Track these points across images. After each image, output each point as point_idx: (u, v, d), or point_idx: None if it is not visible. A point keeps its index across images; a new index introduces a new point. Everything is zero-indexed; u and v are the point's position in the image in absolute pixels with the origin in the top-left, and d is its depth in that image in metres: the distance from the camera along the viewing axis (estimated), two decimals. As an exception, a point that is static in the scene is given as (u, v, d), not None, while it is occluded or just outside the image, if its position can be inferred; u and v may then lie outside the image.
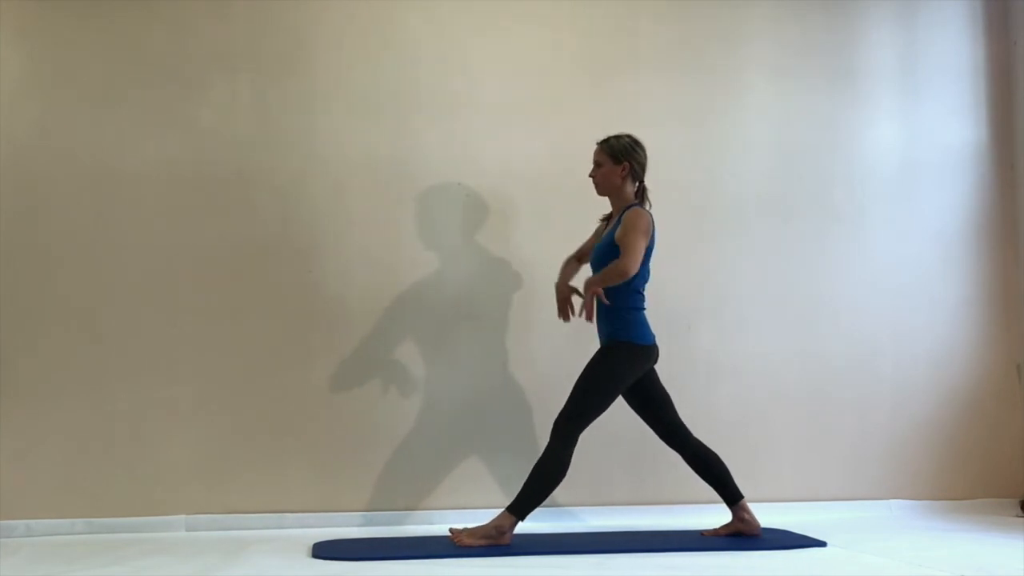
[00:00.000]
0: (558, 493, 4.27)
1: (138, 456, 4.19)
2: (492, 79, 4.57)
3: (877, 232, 4.82)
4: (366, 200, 4.43)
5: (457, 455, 4.39)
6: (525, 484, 3.74)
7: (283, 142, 4.39)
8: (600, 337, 3.92)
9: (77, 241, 4.22)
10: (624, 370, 3.84)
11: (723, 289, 4.67)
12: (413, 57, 4.51)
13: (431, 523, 4.24)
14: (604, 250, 3.88)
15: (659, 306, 4.56)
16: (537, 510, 4.25)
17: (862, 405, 4.74)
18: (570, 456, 3.75)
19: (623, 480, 4.48)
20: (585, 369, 3.84)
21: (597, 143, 3.98)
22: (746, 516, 3.94)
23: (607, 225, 3.99)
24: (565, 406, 3.81)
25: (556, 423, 3.79)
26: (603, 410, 3.84)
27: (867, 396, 4.74)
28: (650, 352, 3.89)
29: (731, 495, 3.95)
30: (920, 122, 4.91)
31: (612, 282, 3.72)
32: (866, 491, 4.68)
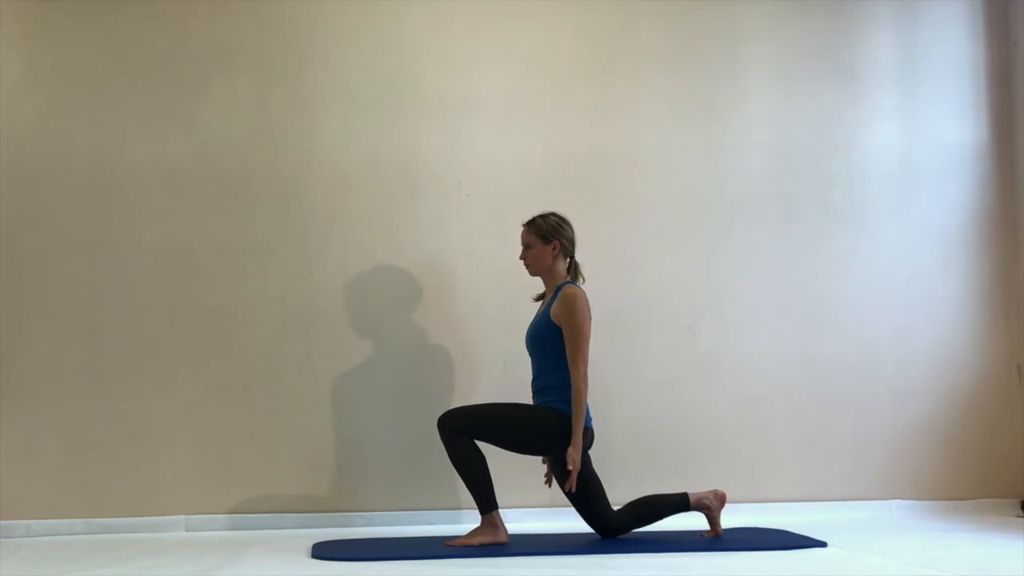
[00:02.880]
0: (558, 493, 4.28)
1: (138, 456, 4.19)
2: (492, 79, 4.57)
3: (877, 232, 4.82)
4: (366, 200, 4.43)
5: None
6: (467, 487, 3.71)
7: (283, 142, 4.39)
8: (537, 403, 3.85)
9: (76, 241, 4.23)
10: (541, 434, 3.74)
11: (723, 289, 4.67)
12: (413, 57, 4.51)
13: (431, 523, 4.24)
14: (540, 328, 3.83)
15: (659, 306, 4.58)
16: (537, 510, 4.27)
17: (862, 405, 4.73)
18: (469, 439, 3.67)
19: (622, 481, 4.45)
20: (519, 405, 3.79)
21: (523, 224, 3.91)
22: (707, 501, 3.91)
23: (542, 303, 3.94)
24: (460, 408, 3.76)
25: (441, 421, 3.71)
26: (495, 444, 3.74)
27: (867, 396, 4.74)
28: (586, 434, 3.76)
29: (679, 505, 3.90)
30: (920, 122, 4.91)
31: (580, 414, 3.66)
32: (866, 491, 4.68)
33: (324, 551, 3.64)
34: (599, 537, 3.90)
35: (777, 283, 4.71)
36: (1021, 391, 4.87)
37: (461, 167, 4.50)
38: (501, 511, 3.74)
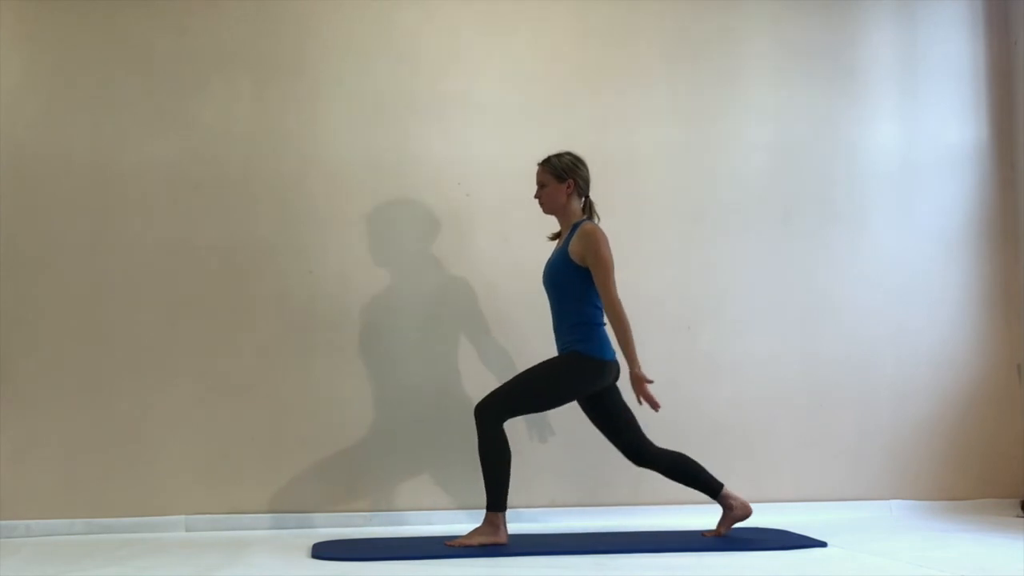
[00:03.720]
0: (558, 493, 4.29)
1: (138, 456, 4.19)
2: (492, 79, 4.57)
3: (877, 232, 4.82)
4: (366, 200, 4.43)
5: (457, 455, 4.38)
6: (484, 480, 3.72)
7: (283, 142, 4.39)
8: (559, 349, 3.89)
9: (77, 241, 4.23)
10: (573, 381, 3.79)
11: (723, 289, 4.67)
12: (413, 57, 4.51)
13: (431, 523, 4.24)
14: (557, 265, 3.86)
15: (659, 306, 4.58)
16: (536, 510, 4.27)
17: (862, 405, 4.73)
18: (503, 434, 3.70)
19: (623, 480, 4.47)
20: (536, 366, 3.82)
21: (539, 164, 3.94)
22: (733, 502, 3.93)
23: (558, 242, 3.97)
24: (495, 394, 3.77)
25: (481, 408, 3.73)
26: (537, 411, 3.83)
27: (867, 396, 4.74)
28: (608, 368, 3.81)
29: (711, 488, 3.92)
30: (920, 122, 4.91)
31: (629, 341, 3.73)
32: (866, 491, 4.68)
33: (324, 551, 3.64)
34: (634, 464, 3.92)
35: (777, 283, 4.71)
36: (1021, 391, 4.87)
37: (461, 167, 4.50)
38: (486, 512, 3.74)
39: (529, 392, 3.79)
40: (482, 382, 4.41)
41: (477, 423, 3.72)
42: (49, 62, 4.29)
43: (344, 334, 4.36)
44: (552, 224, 4.00)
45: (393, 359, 4.40)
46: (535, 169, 4.38)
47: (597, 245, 3.77)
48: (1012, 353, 4.88)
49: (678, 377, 4.56)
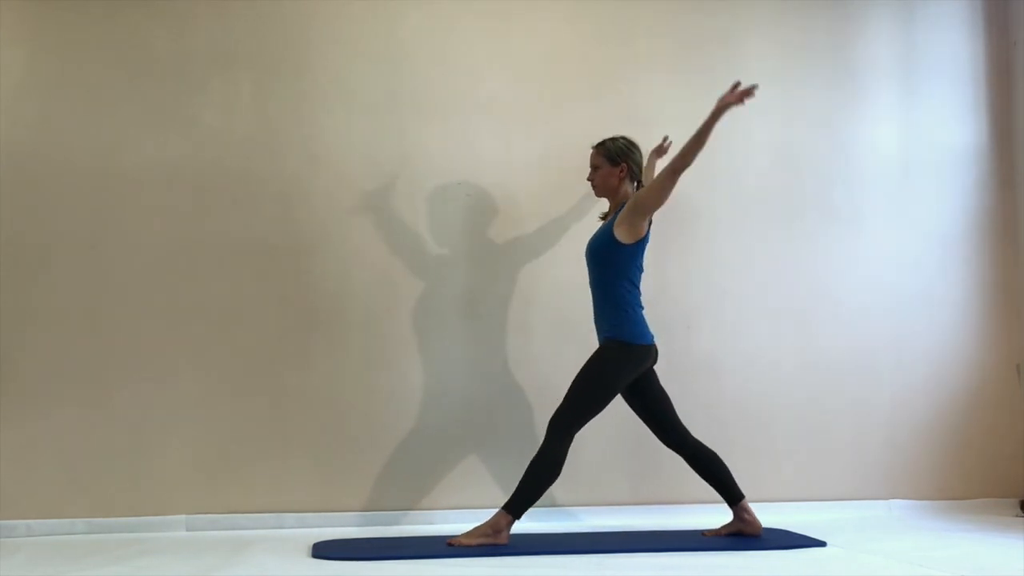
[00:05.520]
0: (557, 493, 4.29)
1: (138, 456, 4.19)
2: (492, 78, 4.57)
3: (877, 232, 4.82)
4: (366, 200, 4.43)
5: (457, 455, 4.39)
6: (520, 482, 3.75)
7: (283, 142, 4.39)
8: (599, 336, 3.93)
9: (77, 241, 4.22)
10: (620, 370, 3.84)
11: (723, 289, 4.67)
12: (413, 57, 4.51)
13: (431, 523, 4.24)
14: (600, 241, 3.90)
15: (659, 306, 4.56)
16: (537, 510, 4.26)
17: (862, 405, 4.74)
18: (565, 454, 3.75)
19: (623, 480, 4.48)
20: (583, 368, 3.85)
21: (592, 147, 4.00)
22: (747, 516, 3.94)
23: (604, 221, 4.00)
24: (562, 404, 3.81)
25: (553, 421, 3.79)
26: (600, 410, 3.85)
27: (867, 396, 4.74)
28: (648, 352, 3.88)
29: (732, 495, 3.95)
30: (920, 122, 4.91)
31: (695, 142, 3.76)
32: (866, 491, 4.68)
33: (324, 551, 3.65)
34: (669, 449, 3.98)
35: (777, 283, 4.72)
36: (1021, 391, 4.87)
37: (461, 167, 4.50)
38: (500, 509, 3.75)
39: (587, 394, 3.81)
40: (482, 383, 4.42)
41: (548, 433, 3.76)
42: (49, 62, 4.28)
43: (344, 334, 4.36)
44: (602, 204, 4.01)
45: (393, 359, 4.39)
46: (535, 168, 4.40)
47: (646, 189, 3.82)
48: (1012, 353, 4.88)
49: (677, 376, 4.56)
